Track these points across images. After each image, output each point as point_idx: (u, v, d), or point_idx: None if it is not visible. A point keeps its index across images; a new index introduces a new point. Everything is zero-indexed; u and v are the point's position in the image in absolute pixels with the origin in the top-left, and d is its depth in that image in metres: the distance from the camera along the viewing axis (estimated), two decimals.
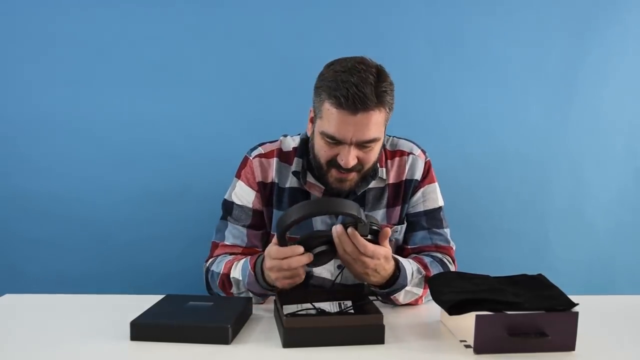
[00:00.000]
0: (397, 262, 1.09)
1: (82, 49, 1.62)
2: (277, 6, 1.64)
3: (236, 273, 1.14)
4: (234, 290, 1.15)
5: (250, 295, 1.14)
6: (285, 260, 1.00)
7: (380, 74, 1.09)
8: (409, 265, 1.12)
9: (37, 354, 0.87)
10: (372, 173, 1.22)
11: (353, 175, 1.14)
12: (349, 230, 1.00)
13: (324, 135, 1.10)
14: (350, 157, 1.09)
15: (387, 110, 1.12)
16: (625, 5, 1.70)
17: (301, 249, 1.00)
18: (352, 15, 1.65)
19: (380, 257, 1.02)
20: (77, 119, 1.64)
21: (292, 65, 1.65)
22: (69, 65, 1.62)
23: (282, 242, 1.02)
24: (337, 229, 1.01)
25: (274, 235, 1.23)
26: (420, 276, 1.14)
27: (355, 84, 1.03)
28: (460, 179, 1.71)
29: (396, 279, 1.08)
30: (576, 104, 1.73)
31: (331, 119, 1.07)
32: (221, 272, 1.16)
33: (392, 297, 1.11)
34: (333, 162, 1.12)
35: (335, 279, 1.20)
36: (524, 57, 1.70)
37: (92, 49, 1.62)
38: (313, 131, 1.17)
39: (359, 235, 0.99)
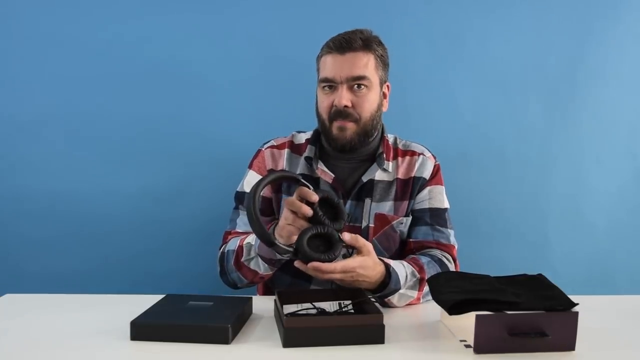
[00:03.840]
0: (387, 267, 1.09)
1: (82, 49, 1.62)
2: (278, 6, 1.64)
3: (250, 239, 1.16)
4: (243, 256, 1.16)
5: (259, 262, 1.15)
6: (293, 216, 1.02)
7: (372, 34, 1.23)
8: (403, 269, 1.12)
9: (37, 354, 0.87)
10: (379, 159, 1.27)
11: (352, 125, 1.22)
12: (312, 268, 0.98)
13: (321, 82, 1.23)
14: (343, 97, 1.19)
15: (377, 58, 1.22)
16: (625, 5, 1.70)
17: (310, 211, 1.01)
18: (352, 15, 1.65)
19: (355, 269, 1.01)
20: (77, 119, 1.64)
21: (292, 65, 1.65)
22: (69, 65, 1.62)
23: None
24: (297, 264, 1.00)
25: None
26: (414, 279, 1.13)
27: (344, 33, 1.21)
28: (460, 178, 1.70)
29: (386, 285, 1.08)
30: (576, 104, 1.73)
31: (325, 64, 1.22)
32: (237, 246, 1.18)
33: (386, 300, 1.11)
34: (332, 115, 1.21)
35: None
36: (524, 57, 1.70)
37: (92, 49, 1.62)
38: (316, 95, 1.27)
39: (324, 267, 0.98)
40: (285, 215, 1.04)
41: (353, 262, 1.02)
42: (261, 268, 1.16)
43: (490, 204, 1.74)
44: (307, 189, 1.03)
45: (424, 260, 1.20)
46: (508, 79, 1.71)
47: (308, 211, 1.01)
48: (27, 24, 1.61)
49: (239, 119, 1.67)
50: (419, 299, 1.15)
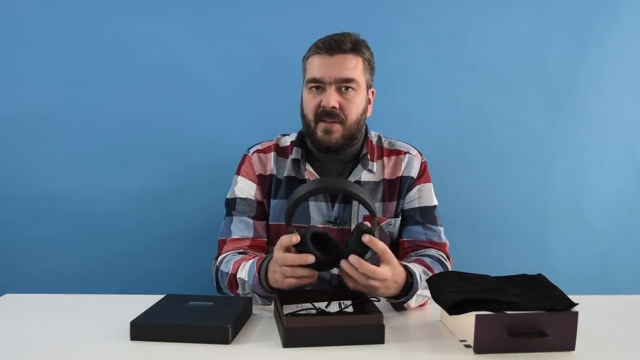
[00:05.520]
0: (407, 268, 1.07)
1: (81, 49, 1.62)
2: (277, 6, 1.64)
3: (243, 274, 1.13)
4: (240, 290, 1.15)
5: (256, 297, 1.13)
6: (291, 268, 0.99)
7: (360, 38, 1.23)
8: (416, 269, 1.11)
9: (37, 354, 0.87)
10: (363, 160, 1.27)
11: (338, 127, 1.21)
12: (353, 258, 0.96)
13: (308, 82, 1.22)
14: (331, 97, 1.19)
15: (365, 63, 1.23)
16: (625, 5, 1.70)
17: (311, 258, 0.97)
18: (352, 15, 1.64)
19: (388, 279, 0.99)
20: (77, 119, 1.63)
21: (292, 66, 1.64)
22: (69, 65, 1.62)
23: (289, 222, 1.01)
24: (344, 264, 0.97)
25: (274, 225, 1.27)
26: (427, 278, 1.13)
27: (333, 35, 1.22)
28: (459, 179, 1.71)
29: (410, 287, 1.06)
30: (576, 104, 1.73)
31: (313, 65, 1.22)
32: (229, 272, 1.16)
33: (405, 305, 1.10)
34: (319, 115, 1.21)
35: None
36: (524, 57, 1.70)
37: (91, 49, 1.62)
38: (302, 96, 1.27)
39: (365, 264, 0.96)
40: (282, 271, 0.99)
41: (386, 271, 0.98)
42: (259, 301, 1.14)
43: (490, 204, 1.74)
44: (285, 237, 0.99)
45: (428, 260, 1.19)
46: (508, 78, 1.71)
47: (310, 259, 0.97)
48: (27, 24, 1.60)
49: (238, 119, 1.66)
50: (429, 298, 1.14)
